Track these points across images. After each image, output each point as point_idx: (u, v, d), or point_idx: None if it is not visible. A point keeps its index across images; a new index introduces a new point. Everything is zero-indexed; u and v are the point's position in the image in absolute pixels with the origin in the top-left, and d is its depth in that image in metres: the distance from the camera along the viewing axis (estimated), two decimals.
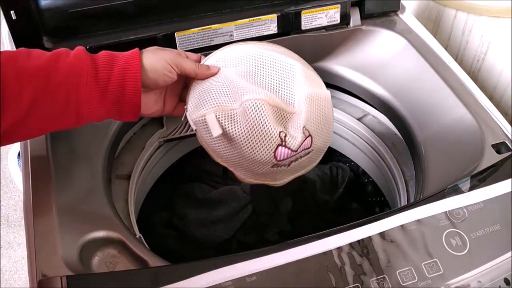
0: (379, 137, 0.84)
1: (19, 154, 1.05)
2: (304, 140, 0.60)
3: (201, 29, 0.75)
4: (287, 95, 0.61)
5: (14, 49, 0.69)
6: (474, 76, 0.93)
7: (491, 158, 0.63)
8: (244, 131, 0.58)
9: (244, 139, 0.58)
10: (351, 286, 0.51)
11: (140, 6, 0.74)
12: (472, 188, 0.59)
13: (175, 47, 0.74)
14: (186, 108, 0.62)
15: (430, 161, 0.67)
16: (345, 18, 0.82)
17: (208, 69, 0.62)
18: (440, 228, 0.55)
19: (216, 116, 0.58)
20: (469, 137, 0.67)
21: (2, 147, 1.74)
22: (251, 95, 0.58)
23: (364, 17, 0.83)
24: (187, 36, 0.75)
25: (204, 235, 0.78)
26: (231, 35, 0.77)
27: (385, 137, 0.84)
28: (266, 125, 0.58)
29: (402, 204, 0.74)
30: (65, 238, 0.55)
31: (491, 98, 0.75)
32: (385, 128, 0.85)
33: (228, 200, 0.82)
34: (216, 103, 0.59)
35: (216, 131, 0.58)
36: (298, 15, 0.79)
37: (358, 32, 0.83)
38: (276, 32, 0.79)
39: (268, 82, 0.62)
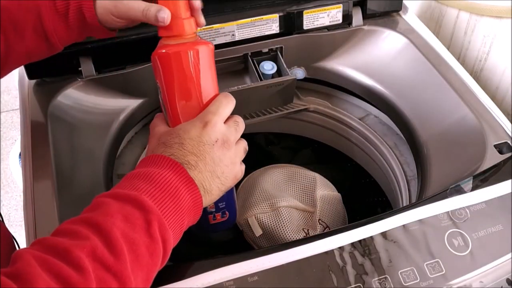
0: (381, 137, 0.84)
1: (20, 154, 1.05)
2: (324, 230, 0.73)
3: (203, 29, 0.75)
4: (309, 199, 0.77)
5: None
6: (477, 76, 0.92)
7: (493, 158, 0.63)
8: (279, 229, 0.72)
9: (278, 235, 0.72)
10: (353, 286, 0.51)
11: None
12: (474, 188, 0.59)
13: None
14: None
15: (432, 161, 0.67)
16: (347, 18, 0.82)
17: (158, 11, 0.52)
18: (442, 228, 0.55)
19: (255, 217, 0.74)
20: (471, 137, 0.67)
21: (2, 148, 1.74)
22: (284, 203, 0.75)
23: (366, 17, 0.83)
24: None
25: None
26: (232, 35, 0.77)
27: (387, 137, 0.83)
28: (293, 224, 0.73)
29: (404, 204, 0.74)
30: None
31: (493, 98, 0.75)
32: (387, 128, 0.84)
33: None
34: (256, 210, 0.74)
35: (258, 231, 0.73)
36: (300, 15, 0.79)
37: (360, 32, 0.83)
38: (278, 32, 0.79)
39: (296, 191, 0.79)
